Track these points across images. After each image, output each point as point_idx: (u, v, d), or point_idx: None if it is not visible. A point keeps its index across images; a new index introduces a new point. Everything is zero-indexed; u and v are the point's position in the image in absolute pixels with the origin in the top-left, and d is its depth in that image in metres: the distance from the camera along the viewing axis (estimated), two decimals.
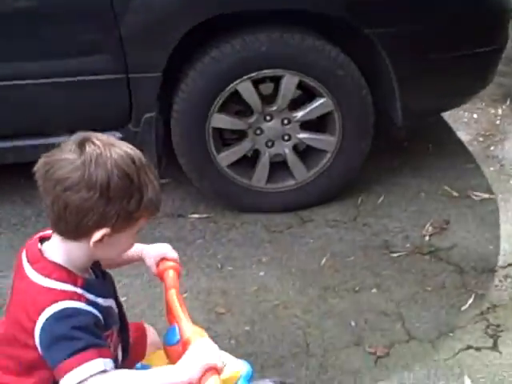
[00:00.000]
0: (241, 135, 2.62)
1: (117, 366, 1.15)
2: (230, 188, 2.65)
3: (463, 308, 2.21)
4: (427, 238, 2.54)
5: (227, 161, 2.60)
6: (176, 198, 2.82)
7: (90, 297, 1.15)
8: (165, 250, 1.39)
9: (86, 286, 1.15)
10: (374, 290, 2.31)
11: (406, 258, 2.44)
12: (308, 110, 2.54)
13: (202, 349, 1.10)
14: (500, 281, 2.31)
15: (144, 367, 1.31)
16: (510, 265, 2.38)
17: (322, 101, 2.51)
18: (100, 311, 1.16)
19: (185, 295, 2.21)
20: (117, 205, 1.10)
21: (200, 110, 2.47)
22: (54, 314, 1.09)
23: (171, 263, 1.37)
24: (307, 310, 2.23)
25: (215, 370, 1.08)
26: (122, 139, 2.46)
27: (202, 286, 2.36)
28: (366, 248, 2.51)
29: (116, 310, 1.26)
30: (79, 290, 1.13)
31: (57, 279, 1.13)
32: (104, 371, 1.07)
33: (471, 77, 2.63)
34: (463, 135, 3.15)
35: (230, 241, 2.57)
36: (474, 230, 2.56)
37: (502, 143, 3.08)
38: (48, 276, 1.13)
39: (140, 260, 1.41)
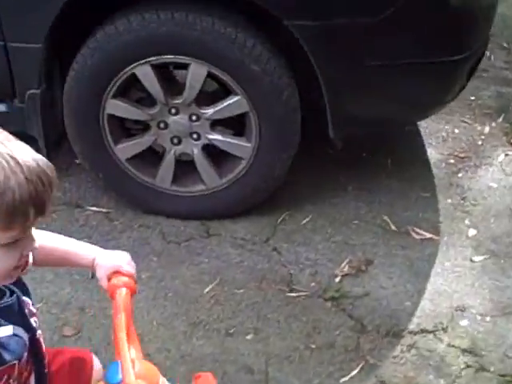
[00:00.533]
0: (145, 127, 2.25)
1: None
2: (131, 185, 2.31)
3: (342, 380, 1.82)
4: (338, 279, 2.13)
5: (126, 154, 2.25)
6: (82, 185, 2.51)
7: None
8: (121, 261, 1.16)
9: None
10: (250, 337, 1.95)
11: (304, 300, 2.06)
12: (219, 107, 2.14)
13: None
14: (402, 351, 1.90)
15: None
16: (422, 331, 1.96)
17: (235, 99, 2.10)
18: None
19: (38, 305, 1.92)
20: None
21: (91, 93, 2.12)
22: None
23: (125, 279, 1.14)
24: (163, 349, 1.90)
25: None
26: (7, 114, 2.25)
27: (61, 297, 2.06)
28: (264, 280, 2.13)
29: (25, 336, 1.02)
30: None
31: None
32: None
33: (426, 89, 2.15)
34: (433, 153, 2.66)
35: (117, 247, 2.24)
36: (397, 278, 2.13)
37: (475, 170, 2.58)
38: None
39: (89, 268, 1.21)
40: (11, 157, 0.85)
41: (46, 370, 1.13)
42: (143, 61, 2.05)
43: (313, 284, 2.12)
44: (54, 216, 2.33)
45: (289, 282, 2.12)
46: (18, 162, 0.85)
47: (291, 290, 2.09)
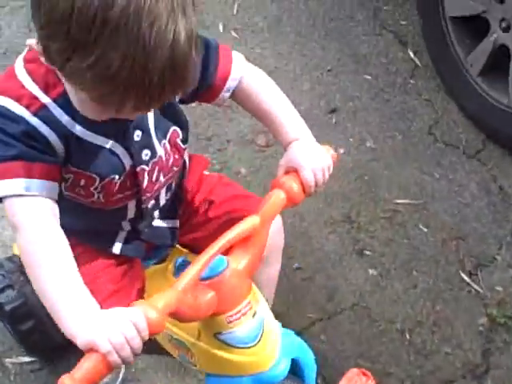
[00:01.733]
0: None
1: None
2: None
3: None
4: None
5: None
6: None
7: (57, 114, 0.90)
8: (311, 163, 1.02)
9: (63, 102, 0.90)
10: None
11: None
12: None
13: (119, 319, 0.79)
14: None
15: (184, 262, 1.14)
16: None
17: None
18: (62, 137, 0.91)
19: None
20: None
21: None
22: None
23: (293, 184, 1.01)
24: None
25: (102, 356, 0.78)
26: None
27: None
28: None
29: (124, 159, 1.00)
30: (45, 100, 0.89)
31: (34, 75, 0.89)
32: (21, 196, 0.87)
33: None
34: None
35: None
36: None
37: None
38: (30, 67, 0.90)
39: (282, 144, 1.10)
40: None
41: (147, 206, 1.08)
42: None
43: None
44: None
45: None
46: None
47: None
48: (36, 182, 0.89)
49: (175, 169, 1.11)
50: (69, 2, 0.74)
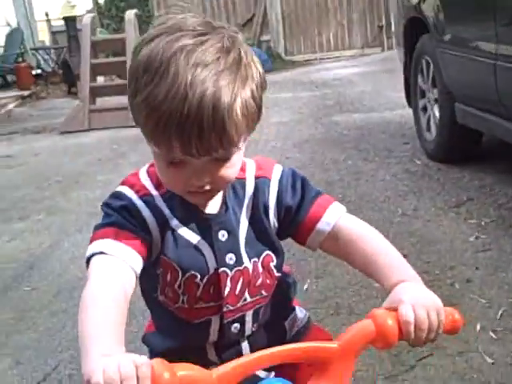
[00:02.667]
0: None
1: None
2: None
3: None
4: None
5: None
6: None
7: (161, 206, 1.00)
8: (409, 298, 0.87)
9: (168, 198, 1.00)
10: None
11: None
12: None
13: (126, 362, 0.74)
14: None
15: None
16: None
17: None
18: (160, 225, 1.00)
19: None
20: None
21: None
22: (111, 193, 1.02)
23: (388, 321, 0.86)
24: None
25: None
26: None
27: None
28: None
29: (209, 260, 1.01)
30: (154, 192, 1.01)
31: (151, 174, 1.02)
32: (102, 253, 0.93)
33: None
34: None
35: None
36: None
37: None
38: (150, 169, 1.03)
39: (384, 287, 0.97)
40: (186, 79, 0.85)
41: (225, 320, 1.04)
42: None
43: None
44: None
45: None
46: (190, 83, 0.84)
47: None
48: (119, 245, 0.94)
49: (264, 293, 1.07)
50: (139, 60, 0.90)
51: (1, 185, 5.04)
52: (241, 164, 0.99)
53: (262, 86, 0.91)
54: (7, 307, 2.84)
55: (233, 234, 1.02)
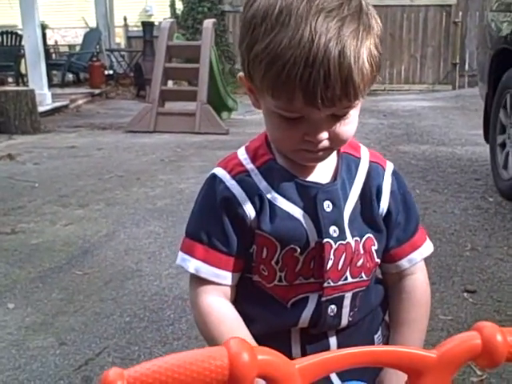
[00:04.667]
0: None
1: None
2: None
3: None
4: None
5: None
6: None
7: (257, 180, 0.96)
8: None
9: (265, 170, 0.96)
10: None
11: None
12: None
13: None
14: None
15: None
16: None
17: None
18: (255, 201, 0.95)
19: None
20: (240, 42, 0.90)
21: None
22: (208, 178, 1.00)
23: (496, 331, 0.77)
24: None
25: None
26: None
27: None
28: None
29: (310, 232, 0.95)
30: (249, 166, 0.97)
31: (249, 148, 1.00)
32: (193, 274, 0.96)
33: None
34: None
35: None
36: None
37: None
38: (249, 143, 1.02)
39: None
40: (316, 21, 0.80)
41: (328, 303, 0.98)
42: None
43: None
44: None
45: None
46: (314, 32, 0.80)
47: None
48: (207, 268, 0.95)
49: (364, 277, 1.00)
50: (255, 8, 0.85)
51: (64, 173, 5.09)
52: (356, 124, 0.92)
53: (381, 38, 0.87)
54: (57, 288, 2.80)
55: (338, 206, 0.96)
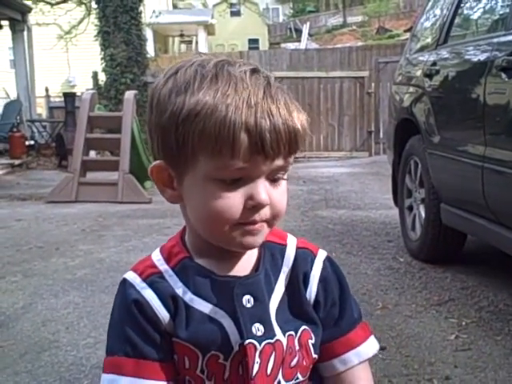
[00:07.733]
0: None
1: None
2: None
3: None
4: None
5: None
6: None
7: (172, 281, 0.89)
8: None
9: (180, 270, 0.90)
10: None
11: None
12: None
13: None
14: None
15: None
16: None
17: None
18: (169, 305, 0.88)
19: None
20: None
21: None
22: (119, 284, 0.93)
23: None
24: None
25: None
26: None
27: None
28: None
29: (230, 330, 0.87)
30: (163, 267, 0.91)
31: (163, 248, 0.94)
32: None
33: None
34: None
35: None
36: None
37: None
38: (164, 244, 0.96)
39: None
40: (242, 79, 0.81)
41: None
42: None
43: None
44: None
45: None
46: (246, 86, 0.80)
47: None
48: (142, 383, 0.87)
49: (300, 378, 0.91)
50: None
51: None
52: (286, 199, 0.88)
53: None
54: None
55: (260, 300, 0.89)
